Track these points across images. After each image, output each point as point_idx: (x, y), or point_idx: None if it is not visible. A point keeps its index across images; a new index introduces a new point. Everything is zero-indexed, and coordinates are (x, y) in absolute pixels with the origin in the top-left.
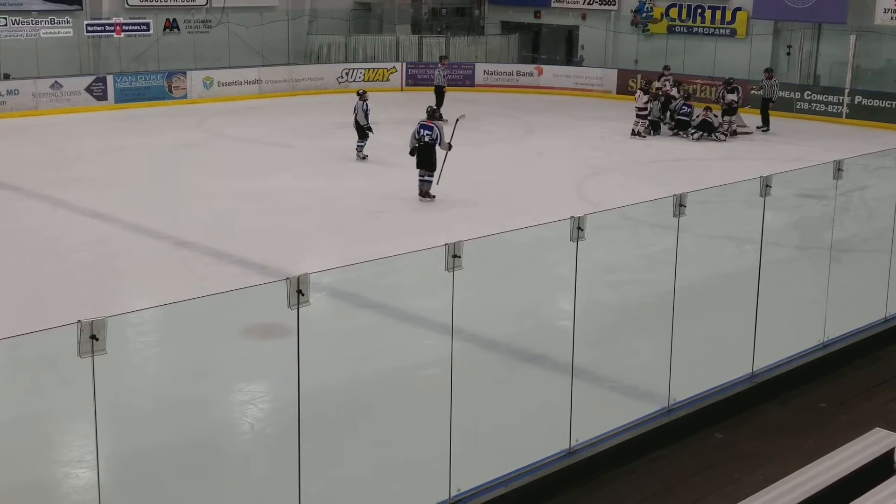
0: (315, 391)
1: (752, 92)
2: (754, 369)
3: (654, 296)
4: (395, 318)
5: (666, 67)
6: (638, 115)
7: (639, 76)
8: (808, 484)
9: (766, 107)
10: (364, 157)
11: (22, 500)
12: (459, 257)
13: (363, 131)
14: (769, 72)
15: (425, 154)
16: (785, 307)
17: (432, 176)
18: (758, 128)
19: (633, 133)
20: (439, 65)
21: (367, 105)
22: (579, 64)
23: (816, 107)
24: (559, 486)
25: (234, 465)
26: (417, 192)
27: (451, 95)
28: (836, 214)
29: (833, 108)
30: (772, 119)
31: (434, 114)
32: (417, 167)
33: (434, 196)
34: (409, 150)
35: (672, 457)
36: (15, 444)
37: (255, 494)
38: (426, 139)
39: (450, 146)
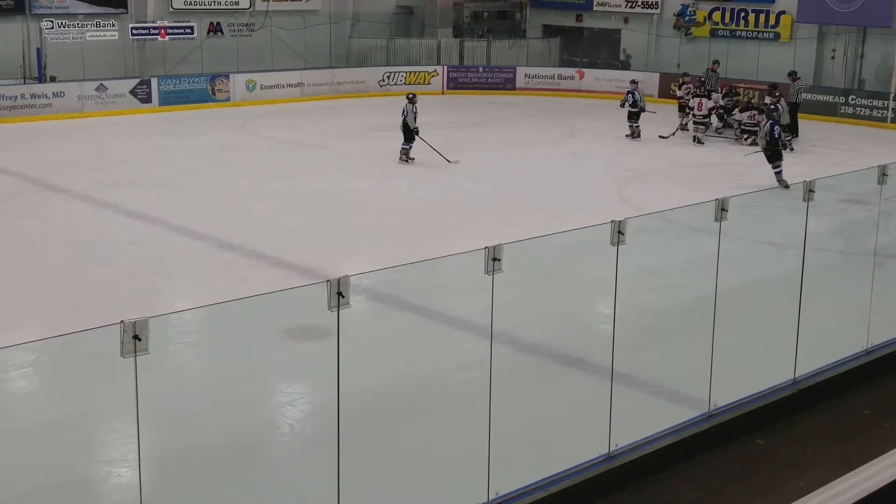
0: (354, 393)
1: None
2: (796, 375)
3: (694, 300)
4: (435, 320)
5: (685, 74)
6: (697, 122)
7: (699, 84)
8: (851, 492)
9: (794, 112)
10: (409, 160)
11: (65, 499)
12: (499, 260)
13: (410, 134)
14: (793, 74)
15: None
16: (828, 313)
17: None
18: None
19: (695, 140)
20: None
21: (416, 108)
22: (627, 67)
23: (861, 111)
24: (598, 490)
25: (274, 465)
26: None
27: (492, 99)
28: (881, 220)
29: (878, 113)
30: (816, 123)
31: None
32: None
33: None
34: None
35: (712, 463)
36: (59, 443)
37: (294, 495)
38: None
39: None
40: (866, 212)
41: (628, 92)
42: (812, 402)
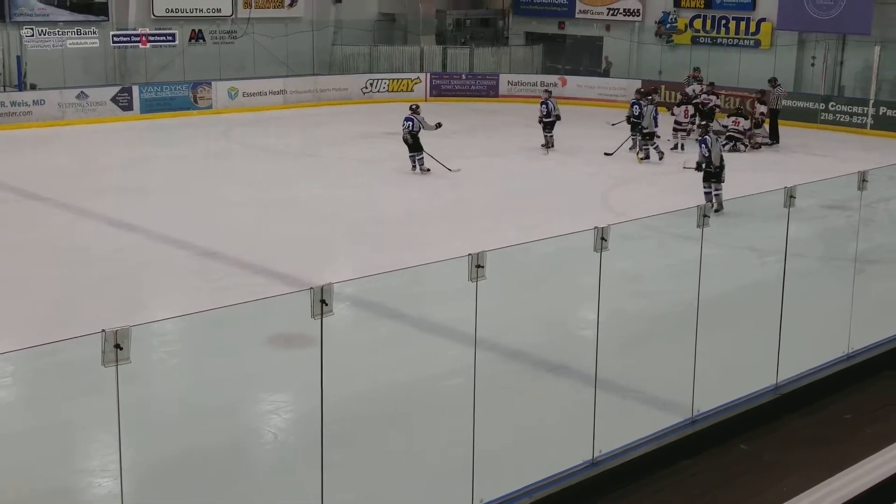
0: (338, 401)
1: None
2: (779, 380)
3: (677, 306)
4: (419, 327)
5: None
6: (678, 129)
7: (677, 93)
8: (833, 496)
9: (774, 118)
10: (427, 170)
11: None
12: (483, 267)
13: (419, 143)
14: (773, 81)
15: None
16: (809, 318)
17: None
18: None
19: (678, 146)
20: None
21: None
22: (607, 74)
23: (841, 118)
24: (582, 497)
25: (258, 474)
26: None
27: (475, 106)
28: (861, 226)
29: (858, 119)
30: (796, 130)
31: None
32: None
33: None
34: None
35: (696, 468)
36: (40, 452)
37: None
38: (705, 154)
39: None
40: (847, 218)
41: (542, 101)
42: (795, 406)
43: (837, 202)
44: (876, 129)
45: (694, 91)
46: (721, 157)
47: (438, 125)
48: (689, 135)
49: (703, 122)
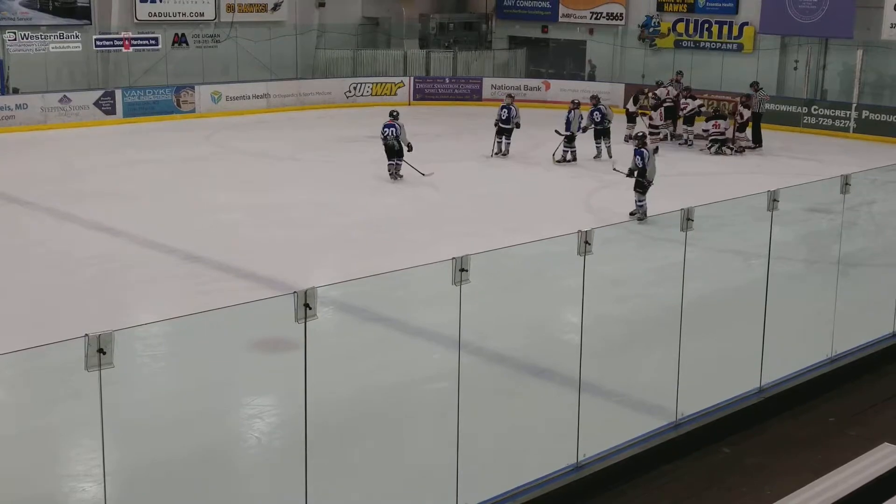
0: (322, 405)
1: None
2: (762, 384)
3: (661, 310)
4: (403, 331)
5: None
6: (652, 133)
7: (649, 93)
8: (817, 499)
9: (757, 122)
10: (400, 176)
11: None
12: (467, 271)
13: (401, 150)
14: (755, 85)
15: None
16: (793, 321)
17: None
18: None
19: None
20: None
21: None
22: (593, 77)
23: (824, 121)
24: (567, 500)
25: (241, 478)
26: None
27: (458, 110)
28: (844, 229)
29: (840, 123)
30: (779, 133)
31: (643, 140)
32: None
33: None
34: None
35: (680, 471)
36: (22, 457)
37: None
38: (639, 164)
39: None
40: (830, 221)
41: (504, 106)
42: (778, 409)
43: (820, 205)
44: (858, 133)
45: (669, 94)
46: (655, 172)
47: (410, 147)
48: (666, 139)
49: (640, 134)
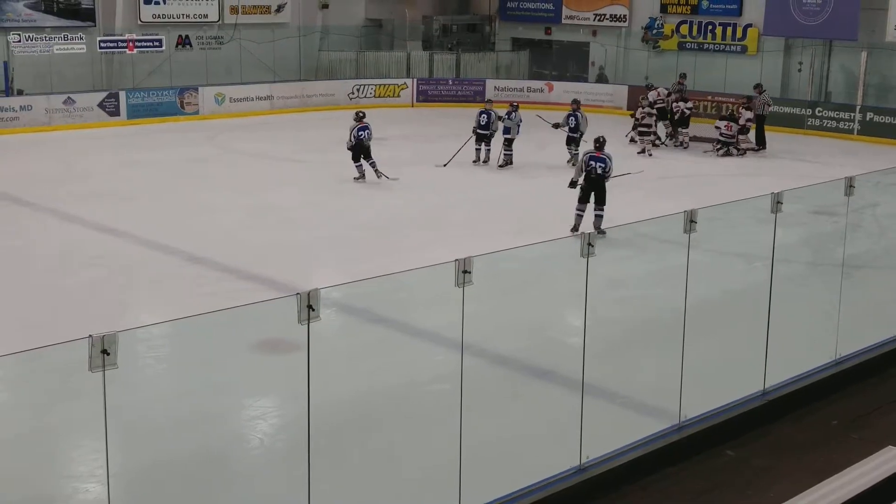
0: (325, 406)
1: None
2: (766, 386)
3: (664, 312)
4: (406, 333)
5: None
6: (643, 134)
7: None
8: (821, 502)
9: (760, 124)
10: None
11: None
12: (470, 273)
13: (368, 151)
14: (759, 87)
15: (597, 187)
16: (796, 324)
17: (603, 210)
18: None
19: (641, 152)
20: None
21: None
22: (605, 80)
23: (828, 123)
24: (570, 503)
25: (244, 479)
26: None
27: (461, 112)
28: (848, 231)
29: (844, 125)
30: (783, 136)
31: (603, 145)
32: (581, 201)
33: (605, 232)
34: (571, 182)
35: (683, 474)
36: (26, 459)
37: None
38: (598, 171)
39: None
40: (834, 223)
41: (481, 112)
42: (782, 412)
43: (824, 208)
44: (863, 135)
45: (660, 95)
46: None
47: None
48: (659, 140)
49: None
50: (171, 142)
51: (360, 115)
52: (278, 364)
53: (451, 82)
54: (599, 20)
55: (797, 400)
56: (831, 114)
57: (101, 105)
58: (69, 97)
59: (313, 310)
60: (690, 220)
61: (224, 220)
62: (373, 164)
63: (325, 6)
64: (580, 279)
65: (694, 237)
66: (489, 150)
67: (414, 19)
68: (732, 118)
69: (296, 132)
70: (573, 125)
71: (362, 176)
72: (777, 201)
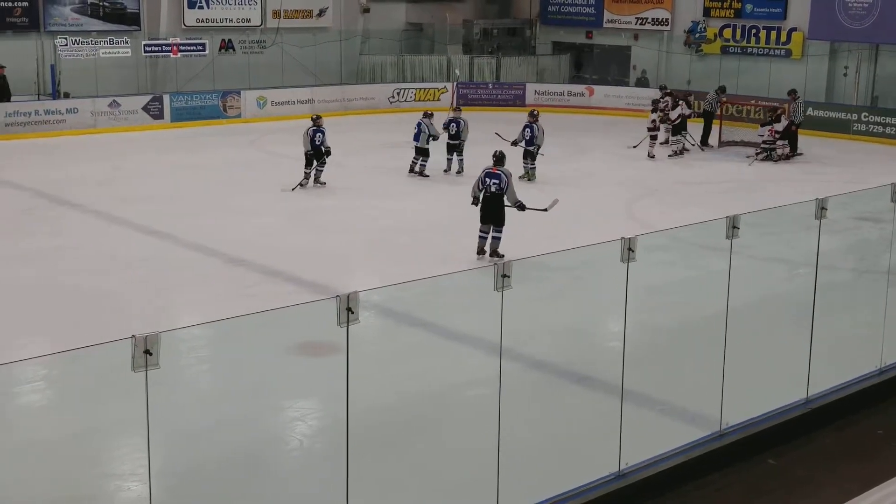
0: (363, 409)
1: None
2: (809, 394)
3: (705, 318)
4: (444, 336)
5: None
6: (652, 137)
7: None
8: None
9: (794, 130)
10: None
11: None
12: (509, 277)
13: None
14: (794, 93)
15: (491, 206)
16: (840, 332)
17: (500, 232)
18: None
19: (650, 156)
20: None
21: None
22: (646, 84)
23: (874, 128)
24: None
25: (283, 481)
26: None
27: (502, 116)
28: (894, 238)
29: (891, 130)
30: (828, 140)
31: (501, 160)
32: (481, 222)
33: (503, 255)
34: (471, 200)
35: (724, 482)
36: (70, 457)
37: None
38: (493, 189)
39: (521, 205)
40: (879, 230)
41: (451, 120)
42: (825, 421)
43: (870, 214)
44: None
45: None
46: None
47: (329, 151)
48: (656, 141)
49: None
50: (213, 145)
51: (315, 117)
52: (317, 366)
53: (491, 86)
54: (641, 24)
55: (841, 409)
56: (878, 119)
57: (145, 108)
58: (114, 100)
59: (352, 312)
60: (733, 225)
61: (267, 222)
62: (318, 171)
63: (367, 10)
64: (620, 284)
65: (736, 243)
66: (461, 159)
67: (454, 23)
68: (777, 120)
69: (337, 135)
70: (528, 137)
71: (317, 180)
72: (821, 207)
